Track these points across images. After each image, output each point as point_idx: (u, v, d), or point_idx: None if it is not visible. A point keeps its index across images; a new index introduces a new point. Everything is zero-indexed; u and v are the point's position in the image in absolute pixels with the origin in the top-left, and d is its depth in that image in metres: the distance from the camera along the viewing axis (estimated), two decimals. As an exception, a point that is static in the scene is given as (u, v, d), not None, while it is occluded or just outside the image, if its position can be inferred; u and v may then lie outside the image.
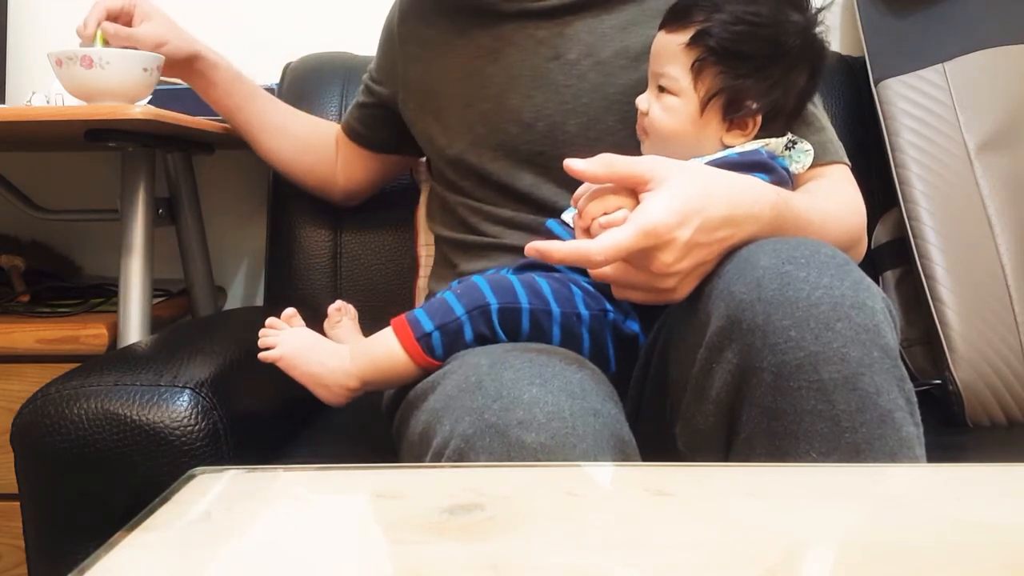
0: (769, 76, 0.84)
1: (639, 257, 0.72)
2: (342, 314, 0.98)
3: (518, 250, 0.88)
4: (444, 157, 1.02)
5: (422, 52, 1.04)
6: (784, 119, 0.88)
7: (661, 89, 0.87)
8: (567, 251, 0.72)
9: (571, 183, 0.80)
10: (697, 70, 0.84)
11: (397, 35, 1.08)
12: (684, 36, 0.85)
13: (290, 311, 0.91)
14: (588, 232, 0.76)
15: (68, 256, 1.55)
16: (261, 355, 0.86)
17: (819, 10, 0.87)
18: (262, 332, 0.88)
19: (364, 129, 1.19)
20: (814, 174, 0.92)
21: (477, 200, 1.00)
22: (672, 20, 0.87)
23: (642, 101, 0.89)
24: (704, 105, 0.85)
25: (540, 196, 0.96)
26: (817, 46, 0.87)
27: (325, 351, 0.87)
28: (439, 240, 1.09)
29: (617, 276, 0.75)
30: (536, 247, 0.72)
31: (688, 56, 0.85)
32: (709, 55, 0.84)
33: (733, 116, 0.85)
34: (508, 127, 0.96)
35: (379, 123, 1.17)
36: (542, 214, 0.95)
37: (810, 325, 0.65)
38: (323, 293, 1.32)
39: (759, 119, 0.86)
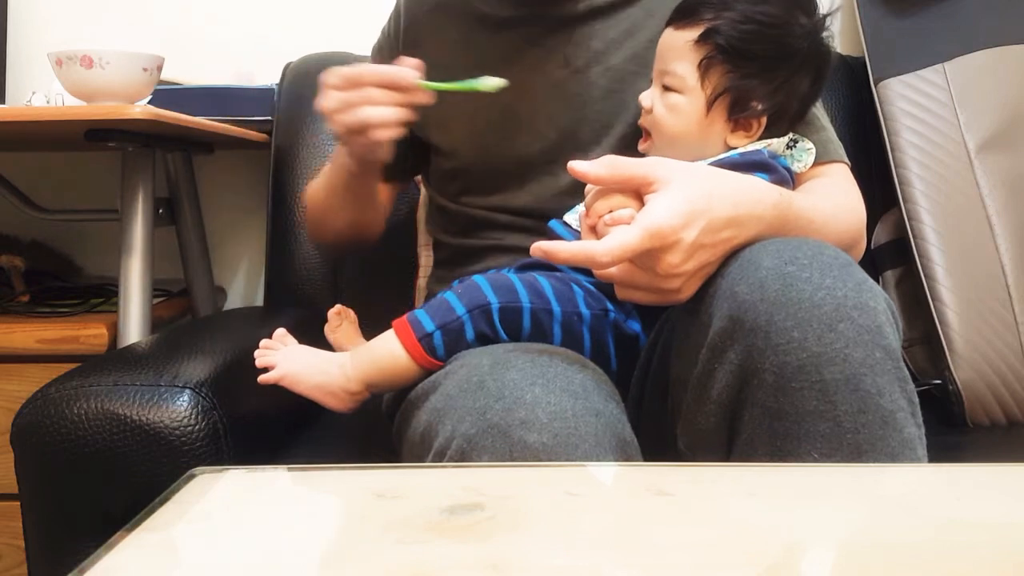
0: (775, 78, 0.84)
1: (644, 258, 0.72)
2: (342, 318, 0.98)
3: (520, 251, 0.88)
4: (449, 165, 1.02)
5: (427, 58, 1.03)
6: (787, 122, 0.88)
7: (666, 88, 0.86)
8: (572, 251, 0.71)
9: (580, 189, 0.80)
10: (704, 68, 0.84)
11: (402, 40, 1.06)
12: (692, 33, 0.84)
13: (281, 331, 0.90)
14: (594, 231, 0.76)
15: (68, 256, 1.55)
16: (262, 378, 0.86)
17: (826, 15, 0.87)
18: (258, 353, 0.87)
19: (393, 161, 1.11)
20: (814, 173, 0.92)
21: (482, 208, 0.99)
22: (680, 17, 0.86)
23: (646, 98, 0.88)
24: (710, 104, 0.84)
25: (547, 205, 0.95)
26: (823, 51, 0.87)
27: (324, 361, 0.87)
28: (439, 244, 1.09)
29: (622, 277, 0.75)
30: (541, 247, 0.72)
31: (696, 54, 0.84)
32: (717, 53, 0.83)
33: (738, 116, 0.85)
34: (518, 136, 0.96)
35: (401, 149, 1.08)
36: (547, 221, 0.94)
37: (812, 326, 0.65)
38: (323, 293, 1.32)
39: (764, 121, 0.86)
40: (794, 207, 0.79)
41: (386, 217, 1.17)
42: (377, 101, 0.84)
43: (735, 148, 0.86)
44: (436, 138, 1.02)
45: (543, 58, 0.96)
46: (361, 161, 0.94)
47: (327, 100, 0.86)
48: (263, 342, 0.89)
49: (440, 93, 1.00)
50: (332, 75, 0.86)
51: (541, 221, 0.93)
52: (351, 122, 0.85)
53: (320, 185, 1.09)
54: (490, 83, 0.87)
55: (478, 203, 0.99)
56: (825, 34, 0.87)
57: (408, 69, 0.85)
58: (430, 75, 1.03)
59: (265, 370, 0.86)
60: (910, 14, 1.29)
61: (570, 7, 0.96)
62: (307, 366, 0.86)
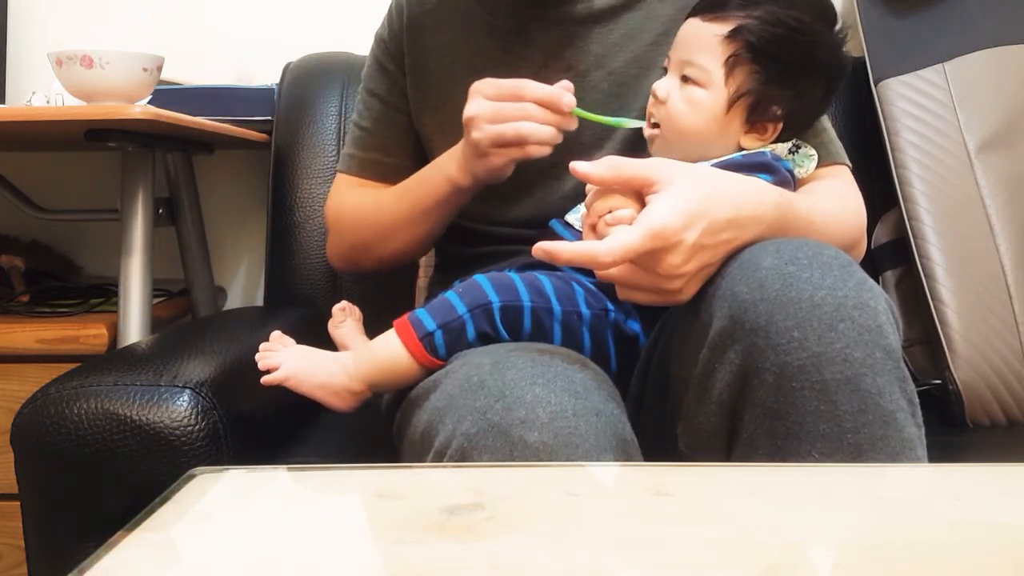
0: (795, 85, 0.84)
1: (645, 259, 0.72)
2: (346, 314, 0.98)
3: (524, 256, 0.88)
4: None
5: (427, 64, 1.03)
6: (795, 131, 0.88)
7: (686, 79, 0.85)
8: (574, 252, 0.71)
9: (581, 195, 0.79)
10: (731, 65, 0.83)
11: (405, 39, 1.04)
12: (723, 27, 0.83)
13: (277, 333, 0.90)
14: (594, 231, 0.76)
15: (68, 256, 1.55)
16: (266, 379, 0.85)
17: (843, 28, 0.86)
18: (259, 356, 0.87)
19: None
20: (815, 175, 0.92)
21: (483, 216, 0.99)
22: (708, 9, 0.85)
23: (660, 88, 0.86)
24: (731, 102, 0.83)
25: (549, 211, 0.94)
26: (842, 64, 0.87)
27: (328, 361, 0.87)
28: (440, 248, 1.08)
29: (623, 277, 0.75)
30: (544, 247, 0.72)
31: (725, 49, 0.83)
32: (746, 51, 0.82)
33: (756, 119, 0.85)
34: None
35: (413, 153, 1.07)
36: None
37: (813, 326, 0.65)
38: (323, 293, 1.32)
39: (779, 126, 0.85)
40: (795, 208, 0.79)
41: None
42: (534, 118, 0.82)
43: (746, 149, 0.86)
44: (436, 143, 1.02)
45: (544, 62, 0.96)
46: (484, 177, 0.89)
47: (479, 107, 0.84)
48: (262, 345, 0.88)
49: (441, 93, 1.00)
50: (487, 84, 0.85)
51: (543, 229, 0.93)
52: (507, 133, 0.83)
53: (380, 205, 1.01)
54: (634, 122, 0.87)
55: (480, 211, 0.98)
56: (845, 49, 0.87)
57: (567, 93, 0.83)
58: (433, 80, 1.03)
59: (266, 372, 0.86)
60: (910, 14, 1.29)
61: (570, 11, 0.96)
62: (311, 366, 0.86)
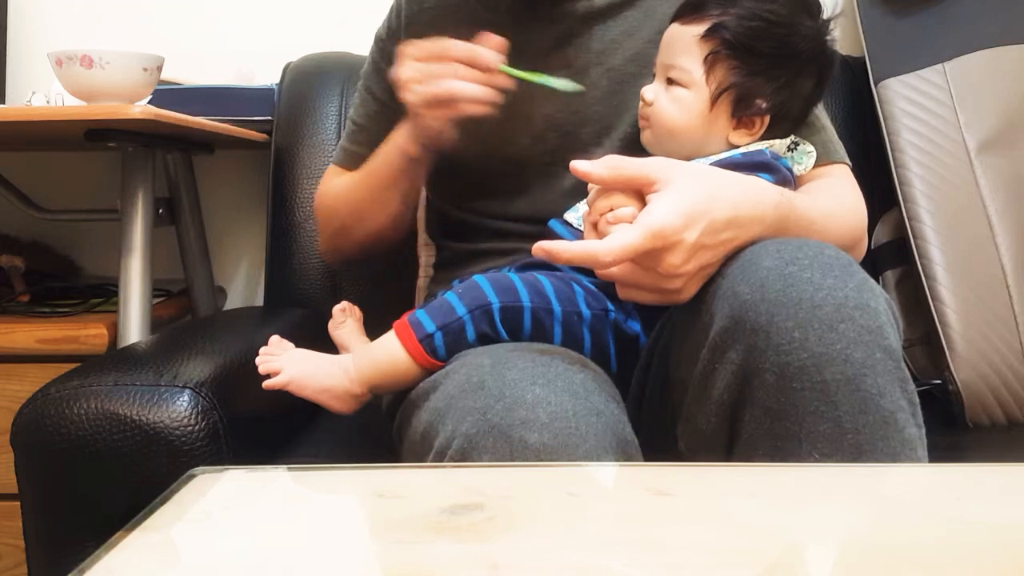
0: (779, 77, 0.84)
1: (646, 258, 0.72)
2: (346, 315, 0.98)
3: (521, 255, 0.88)
4: (448, 166, 1.01)
5: None
6: (789, 124, 0.88)
7: (670, 81, 0.86)
8: (575, 252, 0.71)
9: (579, 192, 0.79)
10: (710, 63, 0.84)
11: (404, 37, 1.05)
12: (699, 28, 0.84)
13: (275, 338, 0.89)
14: (596, 228, 0.76)
15: (68, 256, 1.55)
16: (267, 383, 0.85)
17: (830, 19, 0.87)
18: (260, 360, 0.87)
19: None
20: (815, 174, 0.92)
21: (482, 214, 0.99)
22: (687, 12, 0.86)
23: (648, 91, 0.88)
24: (715, 99, 0.84)
25: (548, 208, 0.95)
26: (828, 53, 0.87)
27: (328, 364, 0.86)
28: (439, 247, 1.08)
29: (623, 277, 0.75)
30: (543, 247, 0.72)
31: (702, 48, 0.84)
32: (723, 48, 0.83)
33: (742, 114, 0.85)
34: (519, 138, 0.96)
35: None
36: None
37: (813, 326, 0.65)
38: (323, 293, 1.32)
39: (767, 119, 0.86)
40: (795, 208, 0.79)
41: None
42: (463, 76, 0.83)
43: (737, 146, 0.86)
44: None
45: (542, 60, 0.96)
46: (426, 142, 0.91)
47: (407, 70, 0.85)
48: (262, 350, 0.88)
49: None
50: (414, 46, 0.85)
51: (542, 226, 0.93)
52: (438, 92, 0.83)
53: (351, 185, 1.05)
54: (566, 84, 0.87)
55: (478, 208, 0.99)
56: (829, 38, 0.87)
57: (493, 52, 0.83)
58: None
59: (267, 377, 0.86)
60: (910, 14, 1.29)
61: (570, 8, 0.96)
62: (312, 369, 0.86)
